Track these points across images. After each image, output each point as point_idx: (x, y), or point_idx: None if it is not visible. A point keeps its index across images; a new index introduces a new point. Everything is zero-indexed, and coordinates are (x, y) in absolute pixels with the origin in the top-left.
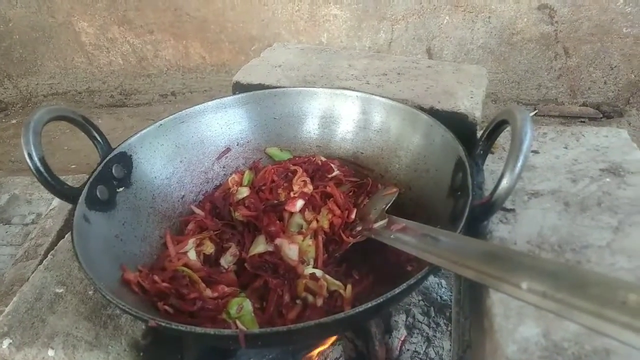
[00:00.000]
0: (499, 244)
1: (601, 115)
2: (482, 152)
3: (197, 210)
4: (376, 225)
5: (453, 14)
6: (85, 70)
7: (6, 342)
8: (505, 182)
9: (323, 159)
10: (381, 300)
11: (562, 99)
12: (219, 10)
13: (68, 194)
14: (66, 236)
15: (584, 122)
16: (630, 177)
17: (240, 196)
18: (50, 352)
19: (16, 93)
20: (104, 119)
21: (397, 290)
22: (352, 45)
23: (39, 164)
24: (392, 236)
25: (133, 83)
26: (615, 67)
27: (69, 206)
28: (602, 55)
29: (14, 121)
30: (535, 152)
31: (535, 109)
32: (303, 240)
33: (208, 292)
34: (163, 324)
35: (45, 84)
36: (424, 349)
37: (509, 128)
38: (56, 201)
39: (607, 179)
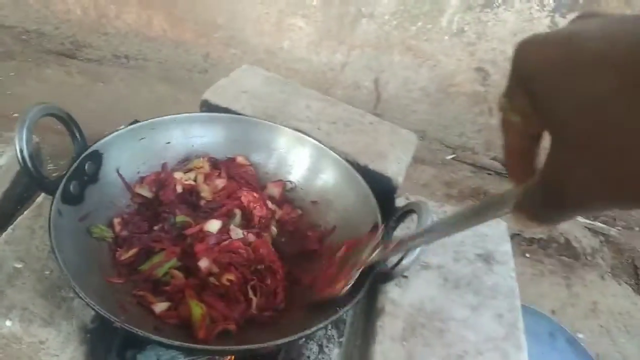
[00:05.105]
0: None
1: (506, 172)
2: (394, 225)
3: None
4: None
5: (404, 55)
6: (38, 11)
7: None
8: (404, 262)
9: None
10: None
11: (478, 150)
12: None
13: (48, 188)
14: (25, 212)
15: (490, 174)
16: (496, 266)
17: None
18: (8, 323)
19: None
20: (52, 69)
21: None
22: (310, 58)
23: (27, 160)
24: None
25: (87, 37)
26: None
27: (17, 167)
28: None
29: None
30: None
31: (454, 153)
32: None
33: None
34: (124, 326)
35: None
36: (315, 355)
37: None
38: (3, 160)
39: (480, 264)
